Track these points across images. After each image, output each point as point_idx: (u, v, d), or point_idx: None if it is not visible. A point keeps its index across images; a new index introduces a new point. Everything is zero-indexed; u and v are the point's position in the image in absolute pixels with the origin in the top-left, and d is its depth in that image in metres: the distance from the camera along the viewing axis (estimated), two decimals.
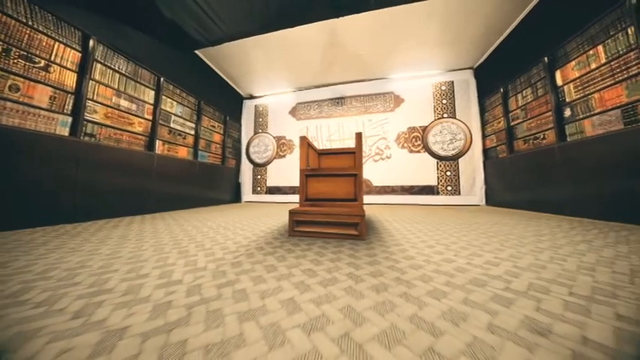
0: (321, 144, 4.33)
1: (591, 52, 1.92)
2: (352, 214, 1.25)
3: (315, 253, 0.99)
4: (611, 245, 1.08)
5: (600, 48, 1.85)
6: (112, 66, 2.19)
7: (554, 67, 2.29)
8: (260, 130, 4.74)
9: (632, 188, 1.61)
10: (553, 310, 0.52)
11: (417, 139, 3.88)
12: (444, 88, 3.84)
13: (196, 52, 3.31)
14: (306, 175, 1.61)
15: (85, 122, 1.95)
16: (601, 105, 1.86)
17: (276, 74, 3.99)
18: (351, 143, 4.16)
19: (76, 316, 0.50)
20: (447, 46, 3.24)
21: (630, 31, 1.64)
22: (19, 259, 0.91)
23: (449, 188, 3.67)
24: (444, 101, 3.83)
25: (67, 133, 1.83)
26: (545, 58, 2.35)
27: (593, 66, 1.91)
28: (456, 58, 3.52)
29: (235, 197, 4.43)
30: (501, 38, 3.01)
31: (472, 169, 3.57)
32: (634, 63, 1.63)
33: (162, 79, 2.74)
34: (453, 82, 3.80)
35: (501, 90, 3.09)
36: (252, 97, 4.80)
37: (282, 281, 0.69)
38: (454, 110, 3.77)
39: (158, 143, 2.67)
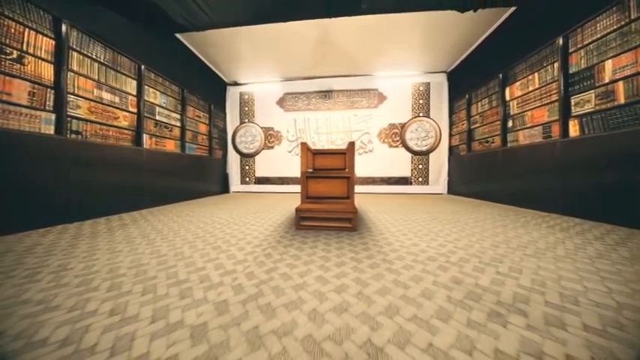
0: (309, 136, 4.51)
1: (530, 77, 2.42)
2: (347, 211, 1.59)
3: (324, 243, 1.31)
4: (517, 228, 1.62)
5: (536, 75, 2.35)
6: (89, 54, 2.02)
7: (505, 84, 2.79)
8: (246, 120, 4.67)
9: (543, 184, 2.24)
10: (467, 271, 0.93)
11: (396, 135, 4.32)
12: (421, 88, 4.23)
13: (177, 35, 3.06)
14: (307, 176, 1.88)
15: (69, 119, 1.85)
16: (531, 121, 2.42)
17: (263, 63, 3.89)
18: (337, 137, 4.42)
19: (182, 297, 0.75)
20: (427, 51, 3.55)
21: (555, 66, 2.13)
22: (71, 261, 1.05)
23: (420, 179, 4.27)
24: (421, 101, 4.25)
25: (52, 132, 1.74)
26: (500, 75, 2.83)
27: (530, 88, 2.43)
28: (433, 62, 3.87)
29: (224, 188, 4.47)
30: (469, 51, 3.42)
31: (439, 164, 4.19)
32: (554, 92, 2.15)
33: (142, 66, 2.56)
34: (429, 84, 4.20)
35: (467, 96, 3.59)
36: (236, 83, 4.61)
37: (308, 265, 1.00)
38: (429, 110, 4.24)
39: (145, 137, 2.59)
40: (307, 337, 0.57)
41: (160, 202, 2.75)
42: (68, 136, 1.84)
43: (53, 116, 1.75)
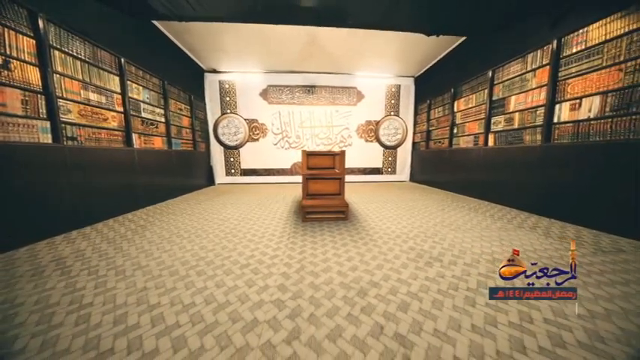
0: (293, 130, 4.75)
1: (471, 96, 3.19)
2: (342, 206, 2.12)
3: (328, 230, 1.83)
4: (450, 211, 2.42)
5: (474, 95, 3.12)
6: (70, 51, 1.89)
7: (455, 97, 3.54)
8: (228, 111, 4.58)
9: (471, 178, 3.16)
10: (418, 242, 1.59)
11: (371, 131, 4.92)
12: (393, 90, 4.81)
13: (154, 22, 2.81)
14: (307, 178, 2.31)
15: (63, 125, 1.81)
16: (468, 130, 3.26)
17: (247, 55, 3.82)
18: (320, 131, 4.78)
19: (255, 273, 1.18)
20: (400, 60, 4.04)
21: (485, 92, 2.90)
22: (139, 261, 1.33)
23: (389, 169, 5.08)
24: (393, 101, 4.86)
25: (50, 140, 1.72)
26: (452, 89, 3.57)
27: (470, 105, 3.21)
28: (404, 67, 4.41)
29: (209, 181, 4.50)
30: (432, 63, 4.05)
31: (404, 157, 5.03)
32: (483, 111, 2.96)
33: (122, 59, 2.40)
34: (400, 86, 4.79)
35: (428, 101, 4.32)
36: (215, 71, 4.38)
37: (324, 247, 1.52)
38: (398, 109, 4.90)
39: (135, 137, 2.55)
40: (341, 283, 1.10)
41: (158, 200, 2.82)
42: (65, 142, 1.81)
43: (48, 124, 1.71)
